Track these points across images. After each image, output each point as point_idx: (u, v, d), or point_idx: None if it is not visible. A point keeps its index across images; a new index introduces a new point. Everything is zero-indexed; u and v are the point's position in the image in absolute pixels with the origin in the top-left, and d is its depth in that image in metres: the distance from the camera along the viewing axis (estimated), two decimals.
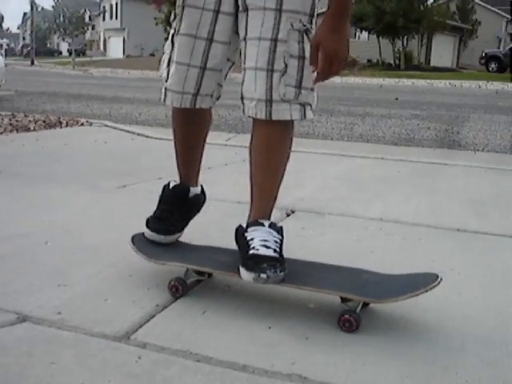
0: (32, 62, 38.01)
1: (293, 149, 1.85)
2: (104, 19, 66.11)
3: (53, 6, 41.05)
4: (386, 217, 2.86)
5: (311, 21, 1.74)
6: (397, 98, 13.23)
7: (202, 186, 2.14)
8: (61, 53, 68.94)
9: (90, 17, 63.47)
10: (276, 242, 1.76)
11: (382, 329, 1.67)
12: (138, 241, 2.01)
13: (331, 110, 9.90)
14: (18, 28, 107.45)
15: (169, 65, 1.88)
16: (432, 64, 34.38)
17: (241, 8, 1.77)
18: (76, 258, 2.15)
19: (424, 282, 1.68)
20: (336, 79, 19.61)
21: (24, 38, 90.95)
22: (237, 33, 1.82)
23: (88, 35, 62.96)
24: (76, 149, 4.75)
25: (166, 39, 1.95)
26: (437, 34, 34.53)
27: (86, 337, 1.56)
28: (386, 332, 1.65)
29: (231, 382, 1.37)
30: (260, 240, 1.74)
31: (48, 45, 75.93)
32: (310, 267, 1.89)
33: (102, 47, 66.87)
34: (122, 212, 2.80)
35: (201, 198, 2.12)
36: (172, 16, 1.88)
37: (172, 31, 1.89)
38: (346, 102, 11.67)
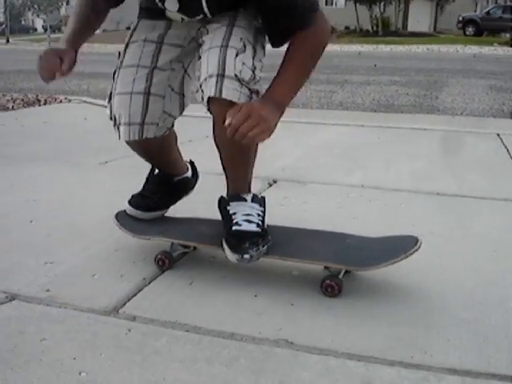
0: (7, 41, 37.29)
1: None
2: None
3: None
4: (366, 183, 2.90)
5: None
6: (375, 65, 13.22)
7: (193, 165, 2.13)
8: (36, 29, 67.65)
9: None
10: (259, 214, 1.79)
11: (364, 292, 1.71)
12: (121, 217, 2.02)
13: (310, 79, 9.84)
14: None
15: (110, 99, 1.81)
16: (409, 29, 34.25)
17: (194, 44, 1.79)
18: (61, 235, 2.16)
19: (404, 246, 1.71)
20: None
21: None
22: (180, 62, 1.81)
23: (63, 11, 61.74)
24: (56, 126, 4.72)
25: None
26: (414, 0, 34.40)
27: (76, 312, 1.58)
28: (369, 296, 1.70)
29: (220, 350, 1.40)
30: (242, 215, 1.76)
31: (22, 22, 74.48)
32: (293, 234, 1.92)
33: None
34: (104, 188, 2.81)
35: (190, 181, 2.11)
36: (117, 56, 1.85)
37: (114, 69, 1.83)
38: (324, 69, 11.62)
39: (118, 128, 1.80)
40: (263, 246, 1.71)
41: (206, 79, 1.59)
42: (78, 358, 1.36)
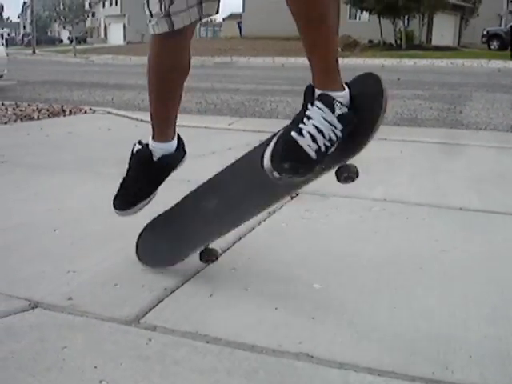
0: (33, 51, 37.94)
1: None
2: (104, 6, 65.83)
3: None
4: (389, 197, 2.89)
5: None
6: (399, 79, 13.17)
7: (179, 138, 1.97)
8: (62, 41, 68.72)
9: (89, 4, 63.17)
10: (331, 138, 1.49)
11: (385, 307, 1.70)
12: (141, 251, 2.00)
13: None
14: (19, 17, 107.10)
15: None
16: (433, 43, 34.15)
17: None
18: (84, 244, 2.18)
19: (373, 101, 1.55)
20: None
21: (24, 27, 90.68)
22: None
23: (88, 22, 62.72)
24: (80, 137, 4.77)
25: None
26: (438, 13, 34.26)
27: (97, 321, 1.59)
28: (390, 310, 1.68)
29: (240, 362, 1.40)
30: (314, 126, 1.48)
31: (49, 33, 75.71)
32: None
33: (102, 34, 66.64)
34: None
35: (175, 157, 1.94)
36: None
37: None
38: None
39: (161, 21, 1.70)
40: (301, 176, 1.49)
41: None
42: (99, 367, 1.37)
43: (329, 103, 1.48)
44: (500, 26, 35.90)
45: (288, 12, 1.45)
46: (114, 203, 1.98)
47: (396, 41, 31.69)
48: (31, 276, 1.88)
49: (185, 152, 1.97)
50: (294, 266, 1.76)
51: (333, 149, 1.51)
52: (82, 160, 3.72)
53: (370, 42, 32.61)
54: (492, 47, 30.25)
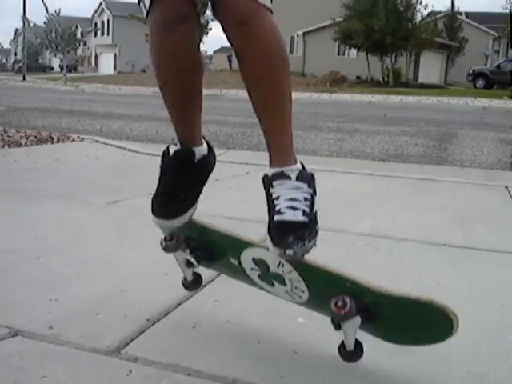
0: (23, 78, 38.03)
1: None
2: (96, 35, 66.38)
3: (44, 22, 41.08)
4: (374, 232, 2.90)
5: None
6: (385, 115, 13.35)
7: (207, 141, 1.78)
8: (52, 68, 68.97)
9: (81, 33, 63.65)
10: (306, 198, 1.50)
11: (367, 344, 1.70)
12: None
13: (321, 126, 9.97)
14: (10, 44, 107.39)
15: None
16: (420, 81, 34.71)
17: None
18: (68, 272, 2.16)
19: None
20: (325, 96, 19.78)
21: (16, 54, 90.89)
22: None
23: (79, 51, 63.07)
24: (67, 164, 4.77)
25: None
26: (425, 52, 34.90)
27: (78, 351, 1.57)
28: (372, 346, 1.67)
29: None
30: (286, 200, 1.49)
31: (40, 60, 76.03)
32: None
33: (93, 63, 67.01)
34: (112, 227, 2.82)
35: (210, 159, 1.76)
36: None
37: None
38: (335, 118, 11.75)
39: None
40: (310, 241, 1.48)
41: None
42: None
43: (283, 175, 1.51)
44: (486, 65, 36.58)
45: None
46: (156, 211, 1.67)
47: (383, 77, 32.16)
48: (12, 303, 1.86)
49: (214, 154, 1.80)
50: (277, 300, 1.75)
51: (315, 207, 1.52)
52: (68, 188, 3.71)
53: (358, 78, 33.05)
54: (477, 86, 30.79)
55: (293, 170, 1.51)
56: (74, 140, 6.31)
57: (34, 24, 49.09)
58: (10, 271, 2.16)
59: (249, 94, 1.52)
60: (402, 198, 3.83)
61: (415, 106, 18.76)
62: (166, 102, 1.65)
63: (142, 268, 2.23)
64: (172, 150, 1.65)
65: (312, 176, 1.55)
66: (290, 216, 1.47)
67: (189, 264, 1.73)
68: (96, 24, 66.17)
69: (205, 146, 1.73)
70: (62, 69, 44.37)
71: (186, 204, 1.67)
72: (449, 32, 42.88)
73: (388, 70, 31.88)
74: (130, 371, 1.48)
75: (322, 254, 2.54)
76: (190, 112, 1.67)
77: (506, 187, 4.27)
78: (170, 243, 1.68)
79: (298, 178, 1.51)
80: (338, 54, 36.86)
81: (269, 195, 1.52)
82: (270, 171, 1.53)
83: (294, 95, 1.61)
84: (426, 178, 4.62)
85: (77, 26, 54.06)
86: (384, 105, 18.16)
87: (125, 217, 2.99)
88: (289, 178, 1.50)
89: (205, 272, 1.89)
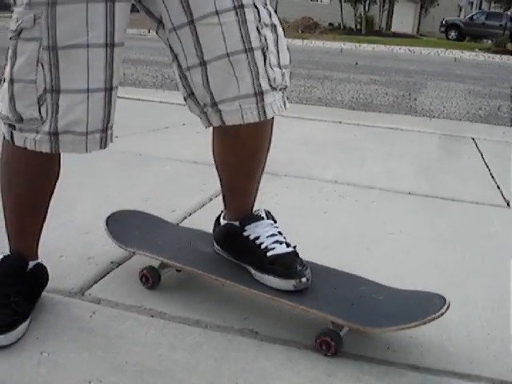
0: None
1: None
2: None
3: None
4: (340, 179, 2.92)
5: None
6: (357, 63, 13.27)
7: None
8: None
9: None
10: (280, 233, 1.56)
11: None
12: (112, 222, 1.82)
13: (291, 73, 9.86)
14: None
15: (44, 98, 1.23)
16: (393, 30, 34.46)
17: None
18: None
19: (426, 308, 1.40)
20: (297, 42, 19.55)
21: None
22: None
23: None
24: None
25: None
26: (399, 0, 34.59)
27: None
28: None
29: (184, 336, 1.41)
30: (268, 237, 1.53)
31: None
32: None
33: None
34: (80, 170, 2.78)
35: (43, 271, 1.53)
36: (15, 19, 1.23)
37: (31, 45, 1.20)
38: (306, 65, 11.64)
39: (53, 139, 1.30)
40: (306, 268, 1.50)
41: (235, 100, 1.35)
42: (41, 338, 1.35)
43: (257, 217, 1.57)
44: (459, 16, 36.46)
45: None
46: None
47: (356, 25, 31.85)
48: None
49: (48, 274, 1.54)
50: None
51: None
52: None
53: (331, 24, 32.66)
54: (450, 37, 30.71)
55: (261, 212, 1.59)
56: None
57: None
58: None
59: (221, 161, 1.58)
60: (369, 147, 3.84)
61: (387, 55, 18.68)
62: (13, 210, 1.49)
63: (106, 210, 2.21)
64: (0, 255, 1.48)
65: (270, 212, 1.62)
66: (282, 249, 1.51)
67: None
68: None
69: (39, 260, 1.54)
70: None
71: (16, 318, 1.35)
72: None
73: (361, 18, 31.57)
74: (94, 312, 1.48)
75: (289, 199, 2.56)
76: (40, 221, 1.54)
77: (473, 139, 4.32)
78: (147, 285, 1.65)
79: (267, 217, 1.58)
80: (311, 0, 36.38)
81: (242, 240, 1.55)
82: (235, 218, 1.59)
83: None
84: (394, 127, 4.64)
85: None
86: (356, 53, 18.03)
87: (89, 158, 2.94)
88: (262, 218, 1.57)
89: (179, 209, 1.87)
